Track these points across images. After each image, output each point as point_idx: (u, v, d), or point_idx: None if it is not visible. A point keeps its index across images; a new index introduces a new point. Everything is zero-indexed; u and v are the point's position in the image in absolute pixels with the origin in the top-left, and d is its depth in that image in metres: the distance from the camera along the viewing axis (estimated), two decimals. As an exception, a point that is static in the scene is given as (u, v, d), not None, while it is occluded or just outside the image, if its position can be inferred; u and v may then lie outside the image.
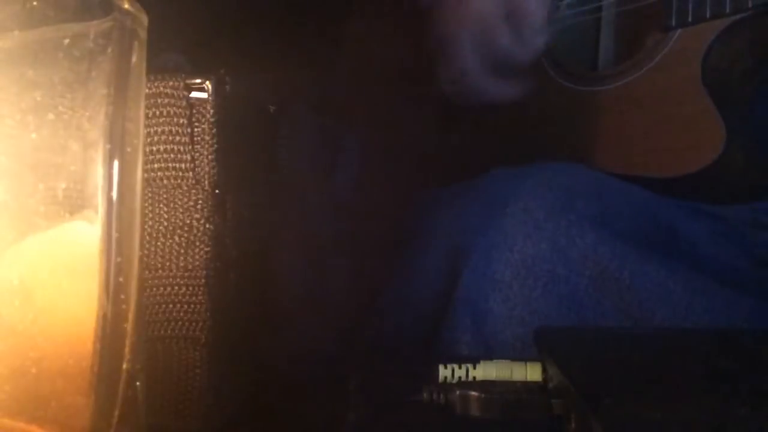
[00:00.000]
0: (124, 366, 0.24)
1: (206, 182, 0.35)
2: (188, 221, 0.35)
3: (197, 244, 0.35)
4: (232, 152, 0.35)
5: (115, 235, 0.24)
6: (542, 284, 0.52)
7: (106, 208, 0.24)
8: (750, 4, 0.59)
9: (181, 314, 0.35)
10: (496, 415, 0.36)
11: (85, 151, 0.24)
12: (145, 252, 0.35)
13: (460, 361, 0.39)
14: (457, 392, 0.37)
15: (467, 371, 0.39)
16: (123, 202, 0.24)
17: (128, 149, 0.24)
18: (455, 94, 0.68)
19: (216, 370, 0.35)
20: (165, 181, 0.35)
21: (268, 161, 0.39)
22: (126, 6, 0.24)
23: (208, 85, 0.34)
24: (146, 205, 0.35)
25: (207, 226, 0.35)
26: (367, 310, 0.56)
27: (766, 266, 0.58)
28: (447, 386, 0.38)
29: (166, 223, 0.35)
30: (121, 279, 0.24)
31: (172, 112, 0.34)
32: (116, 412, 0.24)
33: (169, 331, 0.35)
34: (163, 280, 0.35)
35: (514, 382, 0.38)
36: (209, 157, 0.34)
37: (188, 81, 0.34)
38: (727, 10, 0.60)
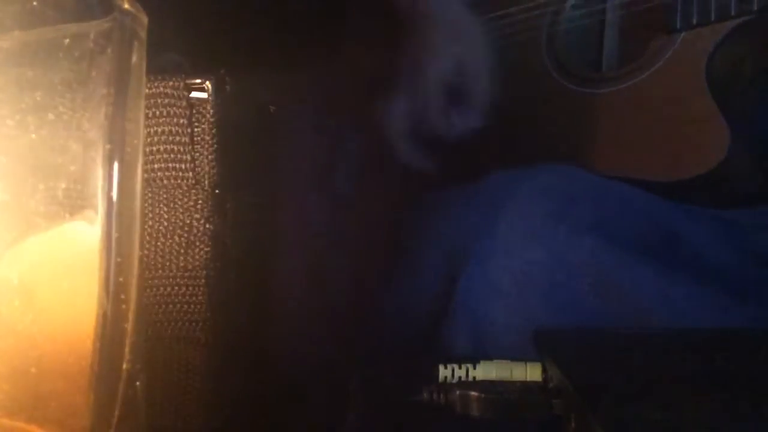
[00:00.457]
0: (124, 366, 0.24)
1: (206, 182, 0.35)
2: (188, 221, 0.35)
3: (197, 244, 0.35)
4: (232, 152, 0.35)
5: (115, 235, 0.24)
6: (541, 291, 0.52)
7: (106, 208, 0.24)
8: (755, 7, 0.59)
9: (181, 314, 0.35)
10: (496, 415, 0.36)
11: (85, 151, 0.24)
12: (145, 252, 0.35)
13: (460, 361, 0.39)
14: (457, 392, 0.37)
15: (467, 371, 0.39)
16: (123, 202, 0.24)
17: (128, 149, 0.24)
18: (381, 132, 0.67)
19: (216, 370, 0.35)
20: (165, 181, 0.35)
21: (268, 161, 0.39)
22: (126, 6, 0.24)
23: (208, 85, 0.34)
24: (146, 205, 0.35)
25: (207, 226, 0.35)
26: (367, 311, 0.56)
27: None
28: (447, 386, 0.38)
29: (166, 223, 0.35)
30: (121, 279, 0.24)
31: (172, 112, 0.34)
32: (116, 412, 0.24)
33: (169, 331, 0.35)
34: (163, 280, 0.35)
35: (514, 382, 0.38)
36: (209, 157, 0.34)
37: (188, 81, 0.34)
38: (732, 13, 0.60)
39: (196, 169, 0.35)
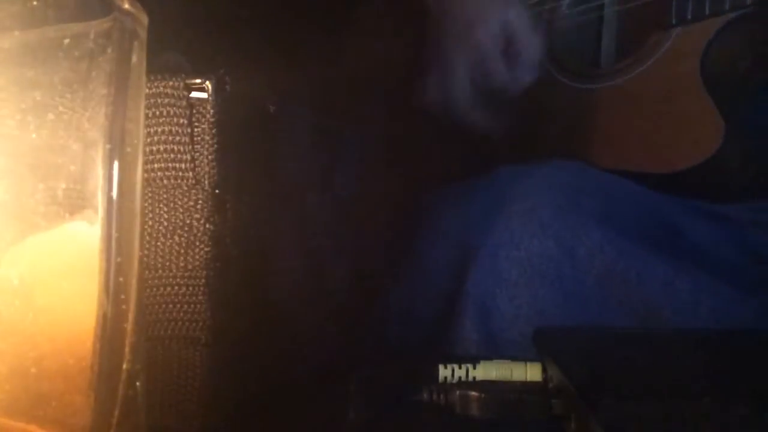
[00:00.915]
0: (124, 366, 0.24)
1: (206, 182, 0.35)
2: (188, 221, 0.35)
3: (197, 244, 0.35)
4: (232, 152, 0.35)
5: (115, 235, 0.24)
6: (548, 283, 0.52)
7: (106, 208, 0.24)
8: (749, 1, 0.59)
9: (181, 314, 0.35)
10: (496, 415, 0.36)
11: (85, 151, 0.24)
12: (145, 252, 0.35)
13: (460, 361, 0.39)
14: (457, 392, 0.37)
15: (467, 371, 0.39)
16: (123, 202, 0.24)
17: (128, 149, 0.24)
18: (438, 112, 0.68)
19: (216, 370, 0.35)
20: (165, 181, 0.35)
21: (268, 161, 0.39)
22: (126, 6, 0.24)
23: (208, 85, 0.34)
24: (146, 205, 0.35)
25: (207, 226, 0.35)
26: (367, 310, 0.56)
27: (765, 265, 0.58)
28: (447, 386, 0.38)
29: (166, 223, 0.35)
30: (121, 279, 0.24)
31: (172, 112, 0.34)
32: (116, 412, 0.24)
33: (169, 331, 0.35)
34: (163, 280, 0.35)
35: (514, 382, 0.38)
36: (209, 157, 0.34)
37: (188, 81, 0.34)
38: (727, 8, 0.60)
39: (196, 169, 0.35)
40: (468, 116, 0.66)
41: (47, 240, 0.25)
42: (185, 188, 0.35)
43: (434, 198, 0.64)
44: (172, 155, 0.35)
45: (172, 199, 0.35)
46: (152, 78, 0.34)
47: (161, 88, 0.34)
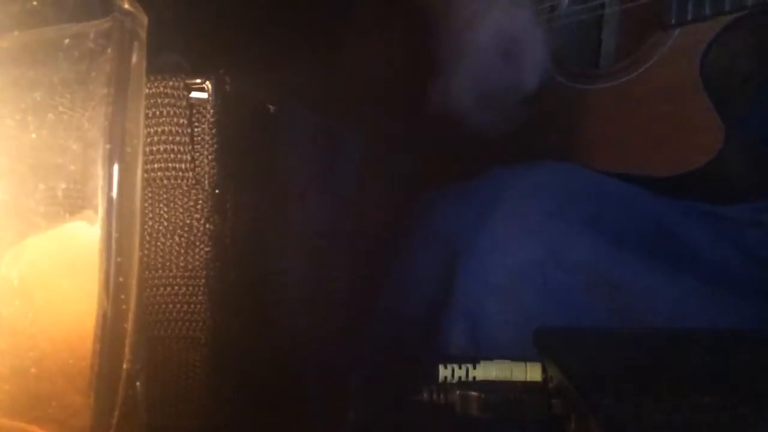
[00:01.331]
0: (124, 366, 0.24)
1: (206, 182, 0.35)
2: (188, 221, 0.35)
3: (197, 244, 0.35)
4: (232, 152, 0.35)
5: (115, 235, 0.24)
6: (537, 289, 0.52)
7: (106, 208, 0.24)
8: (749, 3, 0.59)
9: (181, 314, 0.35)
10: (496, 415, 0.36)
11: (85, 151, 0.24)
12: (145, 252, 0.35)
13: (460, 361, 0.39)
14: (457, 392, 0.37)
15: (467, 371, 0.39)
16: (123, 202, 0.24)
17: (128, 149, 0.24)
18: (441, 113, 0.68)
19: (216, 370, 0.35)
20: (165, 181, 0.35)
21: (268, 161, 0.39)
22: (126, 6, 0.24)
23: (208, 85, 0.34)
24: (146, 205, 0.35)
25: (207, 226, 0.35)
26: (367, 311, 0.56)
27: (765, 266, 0.58)
28: (447, 386, 0.38)
29: (166, 223, 0.35)
30: (121, 279, 0.24)
31: (172, 112, 0.34)
32: (116, 412, 0.24)
33: (169, 331, 0.35)
34: (163, 280, 0.35)
35: (514, 382, 0.38)
36: (209, 157, 0.34)
37: (188, 81, 0.34)
38: (727, 8, 0.60)
39: (196, 169, 0.35)
40: (471, 118, 0.66)
41: (47, 240, 0.25)
42: (185, 188, 0.35)
43: (429, 198, 0.64)
44: (172, 155, 0.35)
45: (172, 199, 0.35)
46: (152, 78, 0.34)
47: (161, 88, 0.34)
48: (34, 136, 0.24)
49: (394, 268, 0.59)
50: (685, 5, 0.62)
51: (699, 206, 0.61)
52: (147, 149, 0.34)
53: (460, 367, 0.39)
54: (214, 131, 0.34)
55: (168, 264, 0.35)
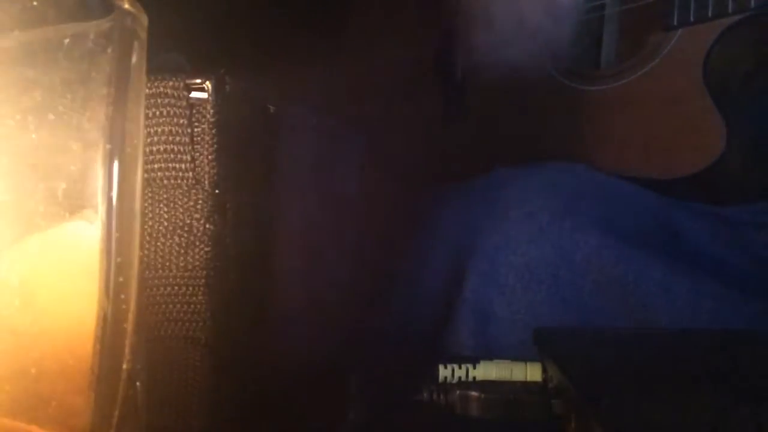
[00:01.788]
0: (124, 366, 0.24)
1: (206, 182, 0.35)
2: (188, 221, 0.35)
3: (197, 244, 0.35)
4: (232, 152, 0.35)
5: (115, 235, 0.24)
6: (546, 288, 0.52)
7: (106, 208, 0.24)
8: (752, 4, 0.59)
9: (181, 314, 0.35)
10: (496, 415, 0.36)
11: (85, 151, 0.24)
12: (145, 252, 0.35)
13: (460, 361, 0.39)
14: (457, 392, 0.37)
15: (467, 371, 0.39)
16: (123, 202, 0.24)
17: (128, 149, 0.24)
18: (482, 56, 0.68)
19: (216, 370, 0.35)
20: (165, 181, 0.35)
21: (268, 161, 0.39)
22: (126, 6, 0.24)
23: (208, 85, 0.34)
24: (146, 205, 0.35)
25: (207, 226, 0.35)
26: (367, 311, 0.56)
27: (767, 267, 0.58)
28: (447, 386, 0.38)
29: (166, 223, 0.35)
30: (121, 279, 0.24)
31: (172, 112, 0.34)
32: (116, 412, 0.24)
33: (169, 331, 0.35)
34: (163, 280, 0.35)
35: (514, 382, 0.38)
36: (209, 157, 0.34)
37: (188, 81, 0.34)
38: (729, 10, 0.60)
39: (196, 169, 0.35)
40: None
41: (47, 240, 0.24)
42: (185, 188, 0.35)
43: (433, 199, 0.64)
44: (172, 155, 0.35)
45: (172, 199, 0.35)
46: (152, 78, 0.34)
47: (161, 88, 0.34)
48: (34, 136, 0.24)
49: (400, 269, 0.59)
50: (687, 6, 0.62)
51: (702, 207, 0.61)
52: (147, 149, 0.34)
53: (460, 367, 0.39)
54: (214, 131, 0.34)
55: (168, 264, 0.35)
